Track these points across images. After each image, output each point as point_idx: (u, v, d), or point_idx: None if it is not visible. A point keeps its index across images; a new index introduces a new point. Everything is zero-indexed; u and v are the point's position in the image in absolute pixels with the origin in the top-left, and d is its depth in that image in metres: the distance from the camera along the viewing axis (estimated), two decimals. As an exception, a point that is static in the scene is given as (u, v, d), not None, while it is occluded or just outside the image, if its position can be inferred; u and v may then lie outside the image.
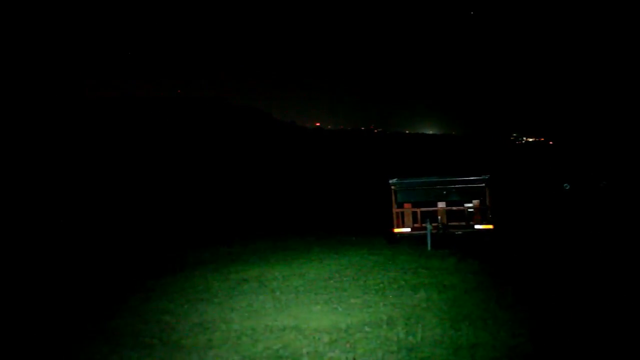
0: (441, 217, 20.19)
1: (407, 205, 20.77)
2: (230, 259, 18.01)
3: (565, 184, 39.59)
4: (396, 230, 20.28)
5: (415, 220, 20.55)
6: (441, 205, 20.56)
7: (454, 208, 20.59)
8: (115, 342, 9.25)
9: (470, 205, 20.54)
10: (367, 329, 9.47)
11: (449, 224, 20.14)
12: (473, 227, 19.82)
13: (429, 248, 18.60)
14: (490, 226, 19.72)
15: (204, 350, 8.70)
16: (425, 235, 19.08)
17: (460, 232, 19.89)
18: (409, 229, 20.22)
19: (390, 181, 21.23)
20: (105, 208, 35.32)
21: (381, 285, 13.03)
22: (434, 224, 19.51)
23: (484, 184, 20.48)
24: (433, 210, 20.38)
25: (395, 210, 20.61)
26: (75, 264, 18.02)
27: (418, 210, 20.58)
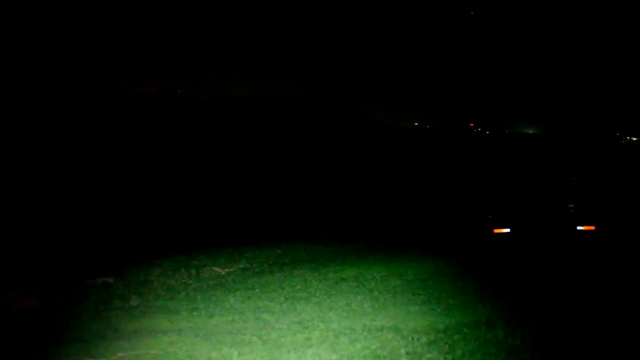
0: (540, 217, 19.77)
1: (507, 206, 20.42)
2: (328, 258, 18.10)
3: None
4: (496, 230, 19.99)
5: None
6: (540, 205, 20.14)
7: (555, 208, 20.13)
8: (216, 339, 9.42)
9: (571, 205, 20.04)
10: (465, 330, 9.34)
11: (549, 224, 19.71)
12: (575, 227, 19.34)
13: (528, 249, 18.23)
14: (592, 227, 19.19)
15: (302, 349, 8.77)
16: (526, 236, 18.74)
17: (560, 233, 19.43)
18: (508, 229, 19.89)
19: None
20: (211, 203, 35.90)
21: (480, 286, 12.85)
22: (533, 224, 19.14)
23: (585, 183, 19.97)
24: (533, 210, 19.98)
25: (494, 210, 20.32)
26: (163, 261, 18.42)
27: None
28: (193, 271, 16.67)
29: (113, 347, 9.23)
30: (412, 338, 9.01)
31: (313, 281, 14.23)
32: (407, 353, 8.36)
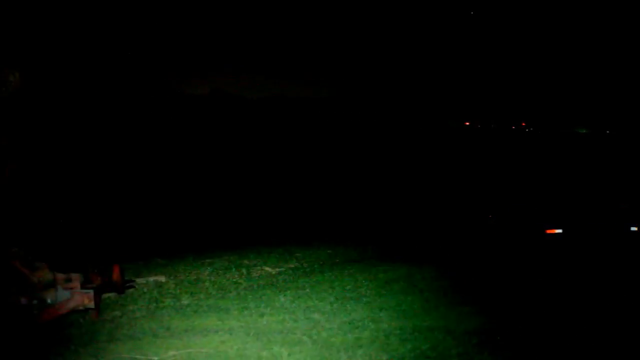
0: (593, 218, 19.46)
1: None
2: (378, 258, 18.04)
3: None
4: (548, 231, 19.76)
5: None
6: (594, 205, 19.86)
7: (608, 208, 19.80)
8: (266, 338, 9.44)
9: (625, 205, 19.69)
10: (518, 331, 9.23)
11: (602, 224, 19.39)
12: (628, 228, 19.00)
13: (580, 249, 17.98)
14: None
15: (352, 349, 8.74)
16: (580, 236, 18.50)
17: (613, 233, 19.10)
18: (561, 230, 19.65)
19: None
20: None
21: (533, 286, 12.69)
22: (586, 225, 18.87)
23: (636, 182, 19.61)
24: (586, 211, 19.70)
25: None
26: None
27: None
28: (244, 270, 16.75)
29: (165, 346, 9.31)
30: (463, 339, 8.93)
31: (363, 281, 14.19)
32: (458, 354, 8.28)
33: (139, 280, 14.51)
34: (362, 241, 22.15)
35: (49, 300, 8.85)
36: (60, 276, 9.05)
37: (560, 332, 9.10)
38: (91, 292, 8.97)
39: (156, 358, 8.70)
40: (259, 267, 17.23)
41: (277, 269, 16.91)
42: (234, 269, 16.76)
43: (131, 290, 13.36)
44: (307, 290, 13.53)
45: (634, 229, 18.89)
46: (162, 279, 15.08)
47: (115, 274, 11.24)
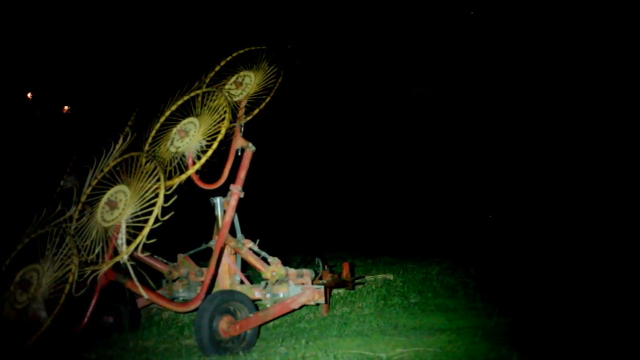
0: None
1: None
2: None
3: None
4: None
5: None
6: None
7: None
8: (495, 340, 9.22)
9: None
10: None
11: None
12: None
13: None
14: None
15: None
16: None
17: None
18: None
19: None
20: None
21: None
22: None
23: None
24: None
25: None
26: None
27: None
28: (471, 271, 16.51)
29: (392, 343, 9.33)
30: None
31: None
32: None
33: (368, 278, 14.74)
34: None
35: (281, 295, 9.19)
36: (292, 272, 9.37)
37: None
38: (322, 287, 9.17)
39: (384, 355, 8.73)
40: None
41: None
42: (461, 269, 16.58)
43: (360, 287, 13.61)
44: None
45: None
46: (390, 276, 15.18)
47: (345, 271, 11.51)
